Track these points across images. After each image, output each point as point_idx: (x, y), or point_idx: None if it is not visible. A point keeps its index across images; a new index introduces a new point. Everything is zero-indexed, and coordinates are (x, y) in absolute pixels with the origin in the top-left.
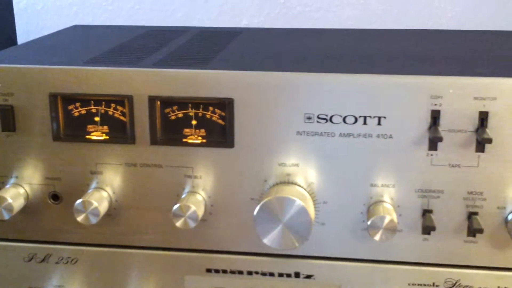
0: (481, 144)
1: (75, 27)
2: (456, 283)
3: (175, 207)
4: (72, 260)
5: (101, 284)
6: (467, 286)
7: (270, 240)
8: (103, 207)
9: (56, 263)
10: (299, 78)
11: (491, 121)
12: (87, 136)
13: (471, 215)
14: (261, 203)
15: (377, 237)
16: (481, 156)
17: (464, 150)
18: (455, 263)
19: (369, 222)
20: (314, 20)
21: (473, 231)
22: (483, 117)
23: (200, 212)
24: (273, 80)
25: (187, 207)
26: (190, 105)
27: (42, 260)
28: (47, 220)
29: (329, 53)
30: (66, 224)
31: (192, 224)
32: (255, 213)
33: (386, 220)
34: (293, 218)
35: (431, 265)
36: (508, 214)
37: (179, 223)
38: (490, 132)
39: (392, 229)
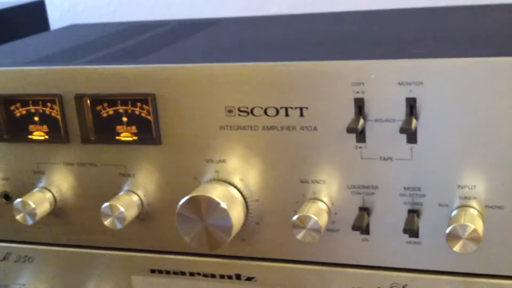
0: (412, 134)
1: (72, 26)
2: None
3: (104, 206)
4: (29, 258)
5: (58, 282)
6: None
7: (191, 239)
8: (42, 208)
9: (16, 261)
10: (216, 70)
11: (420, 108)
12: (29, 136)
13: (410, 213)
14: (181, 202)
15: (299, 236)
16: (414, 148)
17: (395, 141)
18: (400, 266)
19: (292, 220)
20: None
21: (404, 231)
22: (411, 104)
23: (131, 213)
24: (191, 73)
25: (115, 207)
26: (119, 101)
27: (3, 259)
28: (4, 219)
29: (253, 43)
30: (20, 223)
31: (119, 225)
32: (176, 211)
33: (311, 221)
34: (214, 218)
35: (374, 268)
36: (451, 212)
37: (107, 223)
38: (422, 121)
39: (316, 230)
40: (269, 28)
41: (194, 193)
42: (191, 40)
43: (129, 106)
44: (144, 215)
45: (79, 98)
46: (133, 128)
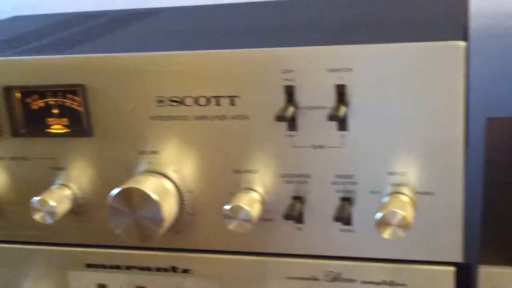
0: (344, 121)
1: (15, 18)
2: (337, 276)
3: (33, 200)
4: None
5: None
6: (349, 279)
7: (122, 231)
8: None
9: None
10: (146, 60)
11: (350, 95)
12: None
13: (342, 201)
14: (111, 194)
15: (231, 227)
16: (345, 135)
17: (326, 129)
18: (334, 255)
19: (224, 211)
20: None
21: (335, 219)
22: (341, 91)
23: (63, 207)
24: (121, 63)
25: (45, 202)
26: (49, 93)
27: None
28: None
29: (183, 31)
30: None
31: (49, 219)
32: (107, 204)
33: (243, 211)
34: (145, 211)
35: (309, 256)
36: (383, 199)
37: (37, 217)
38: (353, 108)
39: (248, 220)
40: (205, 18)
41: (125, 185)
42: (127, 30)
43: (60, 97)
44: (79, 209)
45: (7, 90)
46: (65, 120)
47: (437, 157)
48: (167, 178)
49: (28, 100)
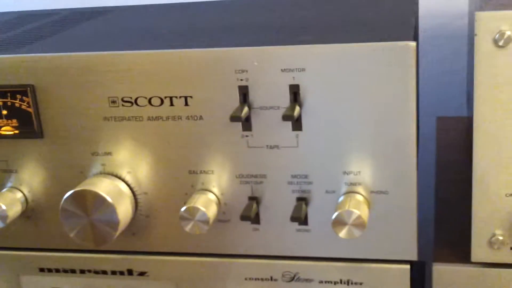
0: (298, 121)
1: None
2: (295, 276)
3: None
4: None
5: None
6: (307, 279)
7: (76, 235)
8: None
9: None
10: (97, 59)
11: (304, 95)
12: None
13: (298, 201)
14: (65, 197)
15: (187, 228)
16: (300, 135)
17: (281, 129)
18: (290, 254)
19: (179, 212)
20: None
21: (292, 219)
22: (295, 91)
23: (14, 211)
24: (72, 63)
25: None
26: None
27: None
28: None
29: (138, 30)
30: None
31: (0, 223)
32: (60, 206)
33: (199, 212)
34: (99, 213)
35: (266, 257)
36: (338, 199)
37: None
38: (307, 108)
39: (204, 221)
40: (158, 17)
41: (79, 188)
42: (78, 29)
43: (9, 98)
44: (30, 212)
45: None
46: (14, 121)
47: (390, 156)
48: (121, 180)
49: None
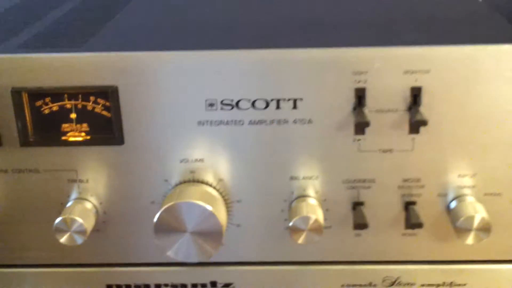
0: (415, 125)
1: None
2: (395, 281)
3: (58, 220)
4: None
5: None
6: (408, 283)
7: (175, 252)
8: None
9: None
10: (196, 58)
11: (425, 98)
12: None
13: (408, 206)
14: (160, 210)
15: (301, 240)
16: (416, 139)
17: (396, 132)
18: (393, 259)
19: (290, 224)
20: None
21: (411, 225)
22: (416, 94)
23: (89, 224)
24: (162, 62)
25: (72, 220)
26: (66, 95)
27: None
28: None
29: (232, 24)
30: None
31: (79, 240)
32: (155, 221)
33: (311, 221)
34: (200, 225)
35: (366, 263)
36: (450, 202)
37: (63, 239)
38: (424, 110)
39: (317, 230)
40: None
41: (176, 200)
42: (123, 19)
43: (80, 100)
44: (100, 225)
45: (16, 93)
46: (84, 126)
47: (506, 158)
48: (212, 187)
49: (39, 103)
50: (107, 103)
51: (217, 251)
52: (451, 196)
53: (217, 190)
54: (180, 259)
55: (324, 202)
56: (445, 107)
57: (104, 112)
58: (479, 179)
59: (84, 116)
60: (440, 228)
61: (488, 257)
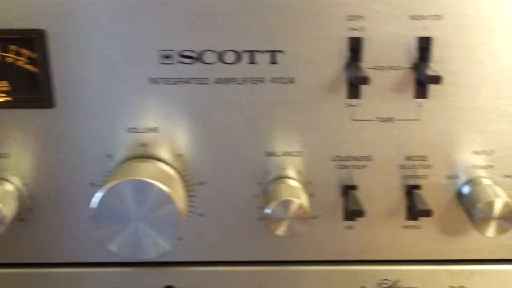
0: (423, 86)
1: None
2: (393, 285)
3: None
4: None
5: None
6: None
7: (119, 245)
8: None
9: None
10: None
11: (435, 52)
12: None
13: (411, 191)
14: (102, 192)
15: (280, 232)
16: (423, 105)
17: (399, 96)
18: (391, 258)
19: (267, 211)
20: None
21: (417, 213)
22: (425, 46)
23: (9, 210)
24: (101, 2)
25: None
26: None
27: None
28: None
29: None
30: None
31: None
32: (93, 206)
33: (293, 206)
34: (152, 212)
35: (358, 262)
36: (462, 186)
37: None
38: (436, 67)
39: (301, 219)
40: None
41: (122, 178)
42: None
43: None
44: (24, 214)
45: None
46: (4, 84)
47: None
48: (168, 165)
49: None
50: (33, 55)
51: (172, 246)
52: (463, 178)
53: (175, 169)
54: (125, 255)
55: (308, 186)
56: (460, 64)
57: (29, 66)
58: (497, 157)
59: (3, 71)
60: (449, 219)
61: (506, 256)
